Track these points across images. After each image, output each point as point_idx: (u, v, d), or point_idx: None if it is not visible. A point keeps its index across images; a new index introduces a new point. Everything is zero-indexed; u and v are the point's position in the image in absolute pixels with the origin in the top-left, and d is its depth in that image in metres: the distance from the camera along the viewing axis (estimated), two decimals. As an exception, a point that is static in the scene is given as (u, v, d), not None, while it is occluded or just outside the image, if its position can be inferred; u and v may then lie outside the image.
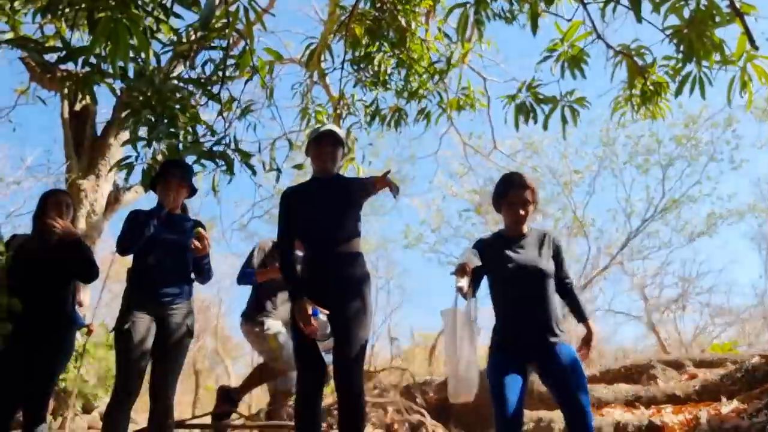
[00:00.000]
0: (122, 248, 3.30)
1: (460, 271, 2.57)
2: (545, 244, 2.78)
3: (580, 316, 2.77)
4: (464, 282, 2.53)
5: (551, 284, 2.72)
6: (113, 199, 7.28)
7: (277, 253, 2.98)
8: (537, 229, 2.87)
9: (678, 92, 4.28)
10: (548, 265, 2.73)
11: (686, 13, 3.73)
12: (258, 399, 10.02)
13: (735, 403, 3.43)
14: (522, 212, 2.76)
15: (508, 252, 2.73)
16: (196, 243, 3.22)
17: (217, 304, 17.40)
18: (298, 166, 4.60)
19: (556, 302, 2.76)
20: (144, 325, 3.07)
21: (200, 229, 3.29)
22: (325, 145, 2.97)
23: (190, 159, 3.81)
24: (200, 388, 10.21)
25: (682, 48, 3.91)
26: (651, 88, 4.67)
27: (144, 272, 3.21)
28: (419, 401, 4.29)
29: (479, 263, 2.61)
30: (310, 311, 2.64)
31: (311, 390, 2.77)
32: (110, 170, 6.48)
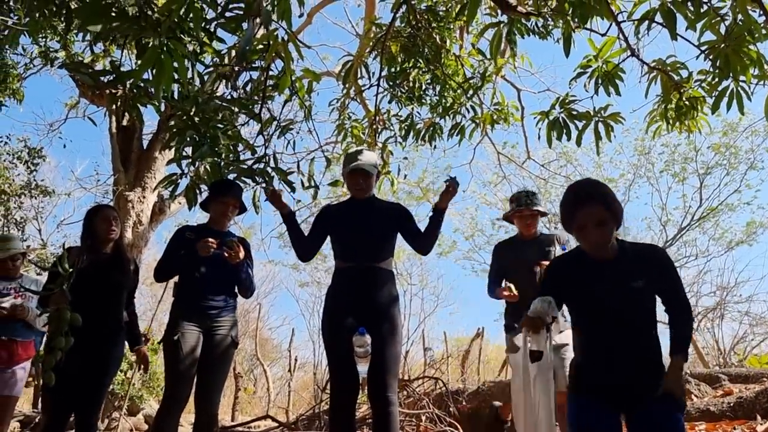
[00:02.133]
0: (158, 277, 3.51)
1: (533, 327, 2.05)
2: (643, 263, 2.16)
3: (672, 346, 2.18)
4: (540, 342, 2.04)
5: (652, 316, 2.18)
6: (158, 210, 7.56)
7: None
8: (634, 245, 2.26)
9: (715, 108, 4.27)
10: (647, 292, 2.15)
11: (722, 29, 3.74)
12: (295, 401, 10.19)
13: (771, 422, 3.41)
14: (597, 235, 2.12)
15: (592, 279, 2.17)
16: (229, 252, 3.30)
17: (256, 308, 17.71)
18: (334, 184, 4.73)
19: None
20: (193, 336, 3.23)
21: (230, 239, 3.36)
22: (356, 177, 3.12)
23: (230, 176, 3.98)
24: (240, 391, 10.42)
25: (718, 63, 3.91)
26: (687, 103, 4.66)
27: (190, 287, 3.37)
28: (452, 410, 4.35)
29: (556, 314, 2.08)
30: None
31: (345, 401, 2.89)
32: (156, 188, 6.73)
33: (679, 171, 16.27)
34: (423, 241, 3.15)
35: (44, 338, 3.90)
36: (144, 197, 7.20)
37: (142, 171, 7.40)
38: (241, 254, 3.34)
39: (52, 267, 3.26)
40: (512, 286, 3.54)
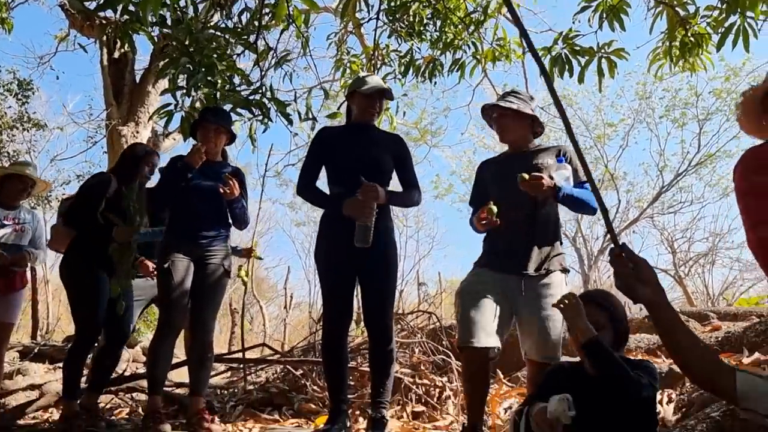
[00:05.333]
0: (152, 205, 3.55)
1: (549, 429, 1.92)
2: None
3: None
4: None
5: None
6: (152, 146, 7.47)
7: (303, 188, 3.06)
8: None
9: (720, 44, 4.18)
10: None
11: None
12: (291, 338, 10.39)
13: (757, 355, 3.50)
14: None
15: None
16: (224, 188, 3.30)
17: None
18: (333, 115, 4.66)
19: None
20: (183, 265, 3.26)
21: (226, 174, 3.36)
22: (375, 100, 3.03)
23: (227, 108, 3.91)
24: (236, 327, 10.62)
25: (726, -2, 3.82)
26: (692, 39, 4.57)
27: (182, 217, 3.37)
28: (445, 343, 4.44)
29: (574, 413, 1.86)
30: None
31: (339, 328, 2.94)
32: (150, 118, 6.64)
33: (679, 116, 16.18)
34: (405, 194, 3.08)
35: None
36: (137, 132, 7.11)
37: (135, 105, 7.27)
38: (237, 190, 3.34)
39: (84, 190, 3.55)
40: (493, 207, 2.72)
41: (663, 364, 3.74)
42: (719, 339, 3.87)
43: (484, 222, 2.72)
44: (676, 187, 17.44)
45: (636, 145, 36.93)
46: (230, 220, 3.50)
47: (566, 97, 16.34)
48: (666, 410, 3.22)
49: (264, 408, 3.99)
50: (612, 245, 1.59)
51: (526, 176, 2.62)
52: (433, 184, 19.37)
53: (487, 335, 2.61)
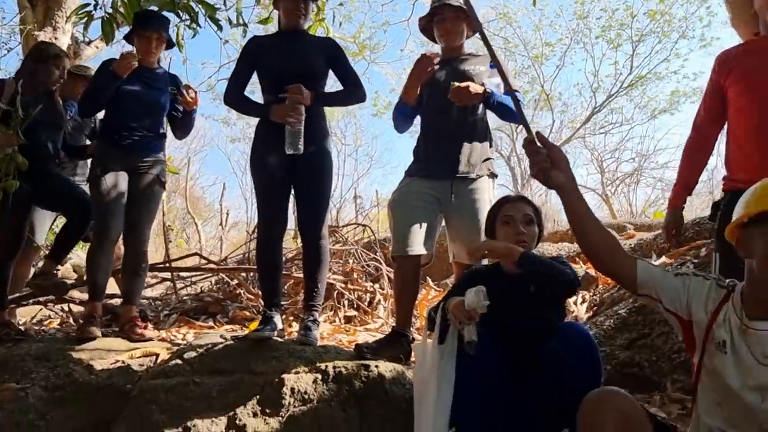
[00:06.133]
0: (85, 111, 3.43)
1: (467, 317, 1.96)
2: None
3: None
4: (473, 332, 1.94)
5: None
6: (73, 54, 7.00)
7: (230, 96, 3.01)
8: None
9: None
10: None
11: None
12: (227, 249, 10.35)
13: (664, 258, 3.80)
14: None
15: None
16: (187, 98, 3.26)
17: (186, 165, 17.38)
18: (264, 21, 4.49)
19: None
20: (116, 173, 3.19)
21: (188, 84, 3.32)
22: (299, 1, 2.92)
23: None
24: (171, 243, 10.52)
25: None
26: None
27: (115, 125, 3.27)
28: (378, 255, 4.56)
29: (488, 302, 1.93)
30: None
31: (273, 234, 2.96)
32: (68, 20, 6.19)
33: (615, 37, 16.38)
34: (341, 92, 3.06)
35: None
36: (56, 38, 6.60)
37: (52, 8, 6.73)
38: (198, 99, 3.31)
39: None
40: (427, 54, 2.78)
41: (580, 269, 4.00)
42: (632, 246, 4.17)
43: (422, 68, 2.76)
44: (608, 108, 17.95)
45: (572, 65, 37.38)
46: (163, 129, 3.41)
47: (506, 15, 16.23)
48: (579, 309, 3.48)
49: (198, 316, 4.05)
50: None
51: (460, 85, 2.68)
52: (372, 101, 19.12)
53: (419, 243, 2.76)
